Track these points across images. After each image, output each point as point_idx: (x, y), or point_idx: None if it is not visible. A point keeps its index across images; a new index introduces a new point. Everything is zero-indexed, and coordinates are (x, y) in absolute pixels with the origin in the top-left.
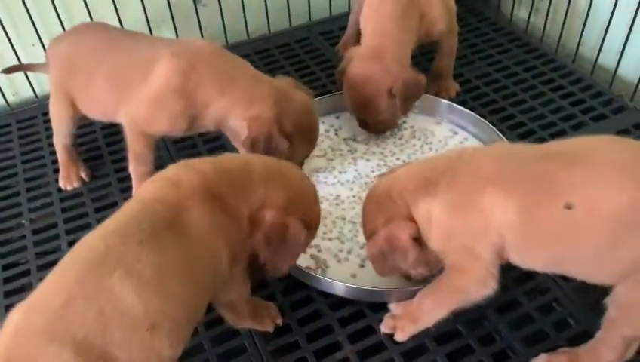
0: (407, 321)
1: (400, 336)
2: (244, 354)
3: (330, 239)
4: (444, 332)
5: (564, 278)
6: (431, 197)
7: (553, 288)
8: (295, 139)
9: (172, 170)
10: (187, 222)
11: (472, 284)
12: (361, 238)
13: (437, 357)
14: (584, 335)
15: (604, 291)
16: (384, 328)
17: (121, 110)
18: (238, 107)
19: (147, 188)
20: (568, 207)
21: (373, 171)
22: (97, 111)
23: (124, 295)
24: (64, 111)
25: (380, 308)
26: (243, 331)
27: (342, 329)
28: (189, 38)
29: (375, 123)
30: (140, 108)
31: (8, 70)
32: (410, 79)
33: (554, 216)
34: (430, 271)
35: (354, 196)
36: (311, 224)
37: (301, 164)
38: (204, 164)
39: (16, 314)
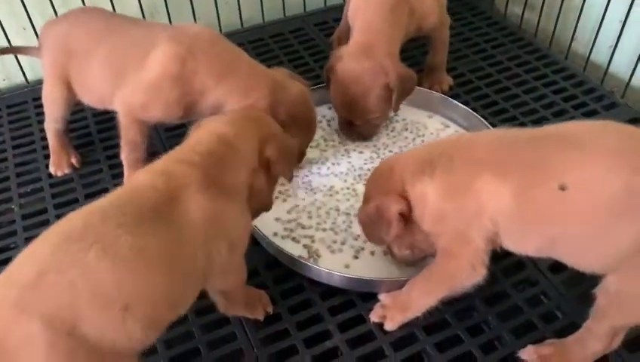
0: (396, 311)
1: (389, 326)
2: (234, 342)
3: (324, 230)
4: (433, 322)
5: (553, 271)
6: (427, 179)
7: (542, 281)
8: (291, 129)
9: (162, 163)
10: (179, 212)
11: (462, 269)
12: (355, 229)
13: (426, 346)
14: (571, 327)
15: (591, 284)
16: (374, 317)
17: (116, 95)
18: (234, 96)
19: (138, 178)
20: (562, 188)
21: (366, 163)
22: (93, 97)
23: (99, 272)
24: (58, 94)
25: (370, 297)
26: (233, 319)
27: (332, 318)
28: (186, 23)
29: (363, 124)
30: (135, 93)
31: (1, 52)
32: (405, 74)
33: (548, 198)
34: (413, 255)
35: (348, 188)
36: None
37: (302, 154)
38: (187, 154)
39: None
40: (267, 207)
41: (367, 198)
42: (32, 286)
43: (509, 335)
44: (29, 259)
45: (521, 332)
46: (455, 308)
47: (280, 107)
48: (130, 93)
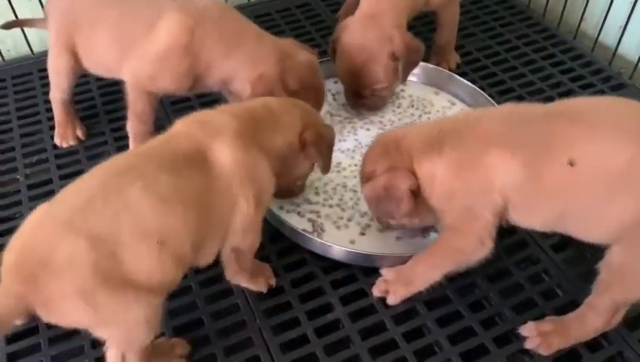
0: (399, 285)
1: (392, 300)
2: (237, 313)
3: (330, 206)
4: (434, 298)
5: (555, 249)
6: (436, 156)
7: (543, 259)
8: (300, 98)
9: (202, 113)
10: (211, 159)
11: (469, 244)
12: (363, 207)
13: (427, 321)
14: (572, 305)
15: (592, 263)
16: (376, 292)
17: (124, 67)
18: (244, 69)
19: (176, 126)
20: (571, 163)
21: (373, 140)
22: (100, 66)
23: (140, 206)
24: (65, 63)
25: (372, 272)
26: (236, 290)
27: (334, 292)
28: None
29: (369, 95)
30: (143, 64)
31: (7, 25)
32: (412, 43)
33: (557, 173)
34: (411, 225)
35: (355, 165)
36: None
37: None
38: (233, 106)
39: (38, 210)
40: (295, 193)
41: (368, 173)
42: (81, 209)
43: (510, 312)
44: (77, 188)
45: (521, 308)
46: (457, 284)
47: (290, 76)
48: (138, 65)
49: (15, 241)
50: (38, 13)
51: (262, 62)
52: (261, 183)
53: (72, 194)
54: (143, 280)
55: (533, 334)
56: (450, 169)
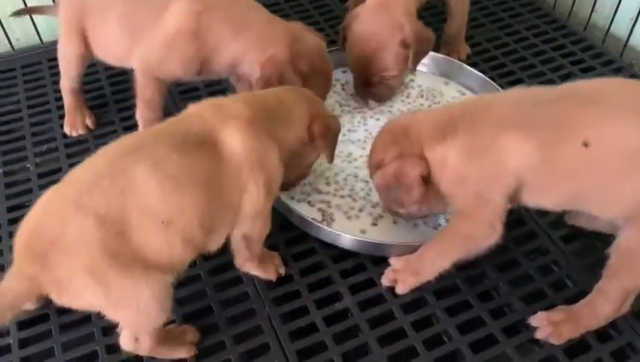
0: (408, 274)
1: (401, 289)
2: (246, 301)
3: (342, 196)
4: (443, 287)
5: (565, 240)
6: (448, 142)
7: (553, 250)
8: (309, 82)
9: (216, 99)
10: (222, 141)
11: (479, 229)
12: (374, 197)
13: (436, 310)
14: (581, 296)
15: (602, 254)
16: (385, 281)
17: (134, 52)
18: (253, 51)
19: (189, 109)
20: (585, 144)
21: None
22: (110, 54)
23: (147, 185)
24: (76, 50)
25: (381, 261)
26: (246, 279)
27: (343, 281)
28: None
29: (378, 84)
30: (152, 50)
31: (18, 13)
32: (422, 32)
33: (572, 153)
34: (420, 212)
35: (367, 156)
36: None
37: None
38: (246, 95)
39: (49, 191)
40: (303, 176)
41: (377, 160)
42: (89, 188)
43: (519, 302)
44: (86, 167)
45: (531, 299)
46: (466, 274)
47: (300, 59)
48: (147, 50)
49: (25, 223)
50: (48, 1)
51: (271, 44)
52: (271, 170)
53: (80, 174)
54: (151, 259)
55: (544, 324)
56: (462, 154)
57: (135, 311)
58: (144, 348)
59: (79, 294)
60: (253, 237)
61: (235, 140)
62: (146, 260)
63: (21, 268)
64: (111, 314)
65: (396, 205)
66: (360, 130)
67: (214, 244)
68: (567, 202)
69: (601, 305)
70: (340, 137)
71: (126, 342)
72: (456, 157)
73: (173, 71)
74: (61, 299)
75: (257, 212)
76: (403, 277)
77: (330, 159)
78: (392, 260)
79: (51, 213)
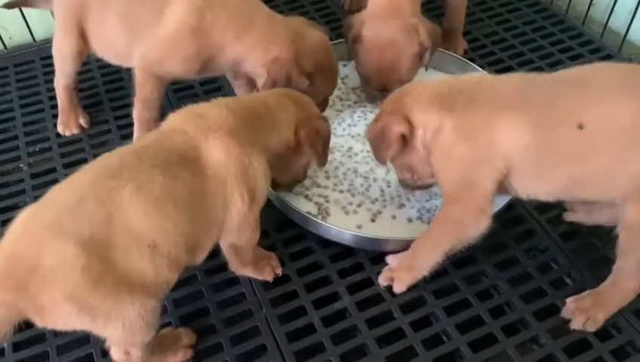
0: (403, 271)
1: (397, 287)
2: (243, 302)
3: (341, 191)
4: (442, 287)
5: (564, 238)
6: (445, 113)
7: (552, 247)
8: (316, 78)
9: (200, 106)
10: (205, 156)
11: (468, 213)
12: (373, 193)
13: (435, 309)
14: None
15: (601, 251)
16: (382, 281)
17: (135, 51)
18: (256, 51)
19: (171, 119)
20: (580, 126)
21: None
22: (110, 51)
23: (132, 208)
24: (70, 47)
25: (379, 260)
26: (243, 279)
27: (341, 281)
28: None
29: (397, 83)
30: (153, 48)
31: (9, 5)
32: (433, 29)
33: (567, 136)
34: (413, 180)
35: (368, 151)
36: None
37: (325, 102)
38: (229, 101)
39: (25, 212)
40: (298, 180)
41: (377, 118)
42: (71, 211)
43: (519, 301)
44: (67, 188)
45: (530, 297)
46: (465, 272)
47: (303, 58)
48: (147, 48)
49: (2, 248)
50: None
51: (274, 44)
52: (255, 180)
53: (61, 196)
54: (137, 281)
55: (576, 313)
56: (457, 131)
57: (122, 332)
58: (135, 361)
59: (63, 320)
60: (241, 246)
61: (217, 153)
62: (132, 283)
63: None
64: (98, 333)
65: (380, 159)
66: (360, 125)
67: (200, 258)
68: (563, 188)
69: (624, 282)
70: (341, 132)
71: (116, 357)
72: (451, 132)
73: (175, 69)
74: (44, 324)
75: (242, 222)
76: (398, 275)
77: (320, 163)
78: (388, 258)
79: (30, 238)
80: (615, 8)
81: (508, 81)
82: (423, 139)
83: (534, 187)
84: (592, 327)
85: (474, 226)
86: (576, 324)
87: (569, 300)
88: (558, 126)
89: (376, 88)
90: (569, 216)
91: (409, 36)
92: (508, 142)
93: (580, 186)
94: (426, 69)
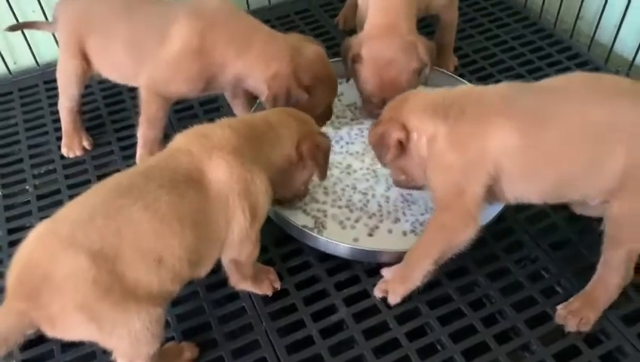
0: (396, 283)
1: (392, 299)
2: (243, 316)
3: (339, 207)
4: (436, 297)
5: (553, 248)
6: (439, 121)
7: (542, 257)
8: (315, 90)
9: (204, 126)
10: (209, 175)
11: (456, 219)
12: (371, 208)
13: (429, 320)
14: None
15: (589, 260)
16: (377, 293)
17: (140, 74)
18: (257, 68)
19: (178, 139)
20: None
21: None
22: (115, 73)
23: (140, 225)
24: (76, 68)
25: (375, 273)
26: (243, 294)
27: (338, 294)
28: None
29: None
30: (158, 69)
31: (12, 28)
32: (430, 45)
33: (551, 139)
34: (407, 181)
35: (367, 168)
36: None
37: (329, 111)
38: (233, 121)
39: (40, 226)
40: (300, 197)
41: (377, 122)
42: (83, 226)
43: (510, 309)
44: (79, 204)
45: (522, 306)
46: (458, 283)
47: (302, 72)
48: (153, 69)
49: (17, 258)
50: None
51: (274, 60)
52: (257, 197)
53: (74, 211)
54: (142, 293)
55: (568, 317)
56: (449, 141)
57: (128, 342)
58: None
59: (72, 329)
60: (241, 261)
61: (220, 172)
62: (138, 294)
63: (12, 304)
64: (105, 344)
65: (380, 161)
66: (358, 143)
67: (203, 273)
68: (551, 190)
69: (609, 278)
70: (339, 149)
71: None
72: (443, 140)
73: (179, 89)
74: (54, 333)
75: (244, 238)
76: (392, 286)
77: (322, 177)
78: (383, 271)
79: (44, 249)
80: (601, 22)
81: (495, 91)
82: (417, 145)
83: (524, 190)
84: (585, 327)
85: (462, 232)
86: (569, 327)
87: (559, 307)
88: (543, 129)
89: (378, 105)
90: (577, 209)
91: (408, 53)
92: (498, 146)
93: (566, 187)
94: (426, 84)
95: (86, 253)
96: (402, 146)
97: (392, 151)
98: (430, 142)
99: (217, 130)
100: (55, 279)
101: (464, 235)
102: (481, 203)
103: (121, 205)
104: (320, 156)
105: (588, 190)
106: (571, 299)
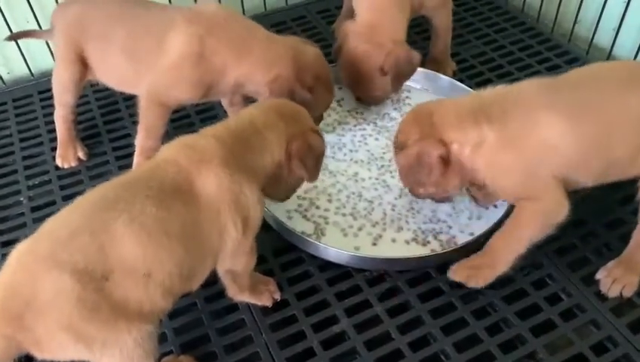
0: (485, 268)
1: (480, 282)
2: (243, 328)
3: (343, 215)
4: (439, 306)
5: (558, 254)
6: (484, 126)
7: (546, 263)
8: (316, 90)
9: (191, 137)
10: (198, 186)
11: (549, 205)
12: (375, 216)
13: (432, 329)
14: (576, 309)
15: (595, 266)
16: (457, 277)
17: (141, 83)
18: (258, 72)
19: (163, 151)
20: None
21: (384, 152)
22: (115, 79)
23: (126, 239)
24: (73, 74)
25: (376, 282)
26: (242, 306)
27: (339, 304)
28: (202, 4)
29: (367, 97)
30: (157, 76)
31: (11, 37)
32: (402, 57)
33: (598, 127)
34: (437, 194)
35: (376, 178)
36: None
37: (320, 117)
38: (218, 130)
39: (21, 245)
40: (294, 190)
41: (403, 144)
42: (65, 243)
43: (515, 318)
44: (61, 220)
45: (526, 314)
46: (461, 291)
47: (304, 73)
48: (154, 78)
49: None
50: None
51: (275, 63)
52: (248, 207)
53: (55, 228)
54: (133, 310)
55: (608, 280)
56: (502, 144)
57: (120, 361)
58: None
59: (60, 351)
60: (238, 272)
61: (209, 185)
62: (127, 312)
63: None
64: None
65: (417, 185)
66: (362, 151)
67: (195, 286)
68: (604, 173)
69: None
70: (342, 156)
71: None
72: (497, 147)
73: (180, 95)
74: (43, 356)
75: (237, 249)
76: (480, 272)
77: (310, 179)
78: (456, 264)
79: (25, 271)
80: (599, 25)
81: (529, 87)
82: (459, 157)
83: (581, 177)
84: (629, 293)
85: (555, 216)
86: (612, 292)
87: (602, 275)
88: (588, 118)
89: (355, 98)
90: None
91: (370, 59)
92: (552, 138)
93: (612, 170)
94: (394, 93)
95: (69, 273)
96: (445, 162)
97: (437, 169)
98: (475, 150)
99: (201, 141)
100: (38, 301)
101: (558, 218)
102: (561, 186)
103: (106, 219)
104: (309, 157)
105: (634, 170)
106: (610, 265)
